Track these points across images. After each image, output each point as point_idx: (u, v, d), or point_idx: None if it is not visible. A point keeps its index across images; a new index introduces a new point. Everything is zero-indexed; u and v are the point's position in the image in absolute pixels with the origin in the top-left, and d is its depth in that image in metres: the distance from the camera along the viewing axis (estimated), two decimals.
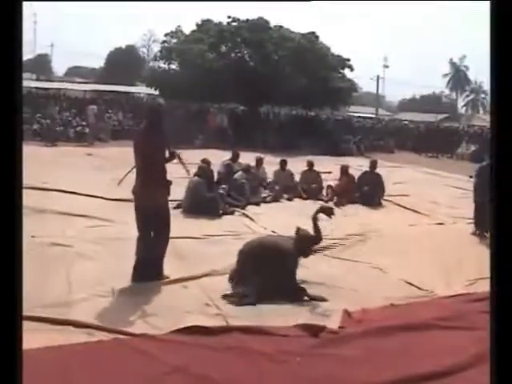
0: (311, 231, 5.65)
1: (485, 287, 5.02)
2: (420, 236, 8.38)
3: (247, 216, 9.31)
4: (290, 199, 11.39)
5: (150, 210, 5.40)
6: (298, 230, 5.64)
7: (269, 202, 10.89)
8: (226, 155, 12.57)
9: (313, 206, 10.87)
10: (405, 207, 11.03)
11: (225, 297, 5.21)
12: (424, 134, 29.31)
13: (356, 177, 12.02)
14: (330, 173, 14.39)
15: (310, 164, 12.54)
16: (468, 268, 6.67)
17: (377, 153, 23.89)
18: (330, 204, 10.92)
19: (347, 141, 25.31)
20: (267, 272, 5.28)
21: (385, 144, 27.59)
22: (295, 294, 5.32)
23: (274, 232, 7.87)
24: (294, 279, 5.43)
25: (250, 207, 10.08)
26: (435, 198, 12.00)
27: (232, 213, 9.46)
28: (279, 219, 9.06)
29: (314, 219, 5.62)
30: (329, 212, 5.88)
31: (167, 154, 5.51)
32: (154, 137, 5.34)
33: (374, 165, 12.08)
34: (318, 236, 5.64)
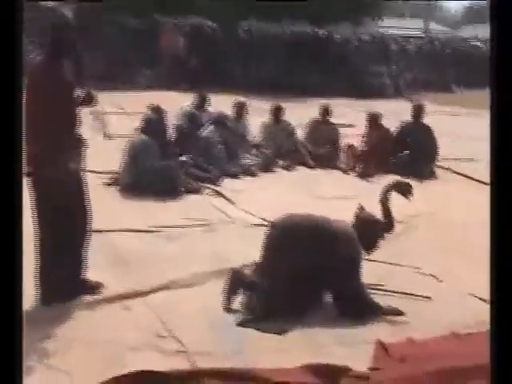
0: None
1: None
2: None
3: (222, 195, 9.40)
4: (288, 167, 11.51)
5: (50, 189, 5.24)
6: (361, 209, 5.99)
7: (255, 172, 10.97)
8: (187, 99, 12.58)
9: (324, 178, 11.01)
10: (472, 178, 11.13)
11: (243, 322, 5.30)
12: None
13: (392, 131, 12.08)
14: (351, 126, 14.42)
15: (325, 111, 12.53)
16: None
17: (426, 92, 23.90)
18: (352, 175, 11.06)
19: (378, 74, 25.50)
20: (313, 273, 5.40)
21: (439, 78, 27.61)
22: (362, 309, 5.48)
23: (263, 220, 7.88)
24: (360, 284, 5.60)
25: (225, 181, 10.18)
26: None
27: (198, 190, 9.53)
28: (272, 200, 9.09)
29: (384, 199, 5.99)
30: (406, 190, 6.21)
31: (79, 96, 5.47)
32: (57, 70, 5.27)
33: (419, 111, 12.11)
34: (389, 223, 6.00)
